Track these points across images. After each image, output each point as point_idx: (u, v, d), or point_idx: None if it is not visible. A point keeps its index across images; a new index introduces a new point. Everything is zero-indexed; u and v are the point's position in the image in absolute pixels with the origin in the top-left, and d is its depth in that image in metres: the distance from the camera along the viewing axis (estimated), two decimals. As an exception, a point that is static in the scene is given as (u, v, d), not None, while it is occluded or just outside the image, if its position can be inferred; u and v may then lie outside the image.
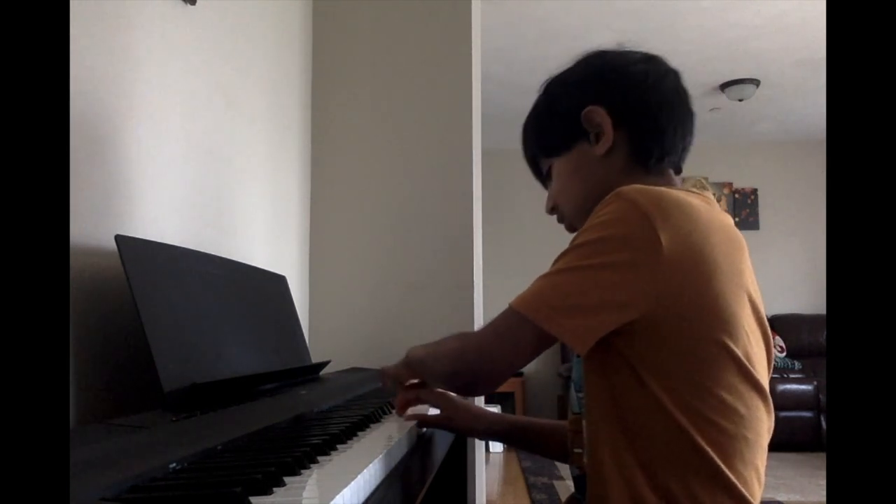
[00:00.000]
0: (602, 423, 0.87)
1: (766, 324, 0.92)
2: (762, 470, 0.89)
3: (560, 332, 0.82)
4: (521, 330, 0.84)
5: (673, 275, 0.80)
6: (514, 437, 1.25)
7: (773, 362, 0.94)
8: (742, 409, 0.84)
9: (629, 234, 0.81)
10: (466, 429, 1.19)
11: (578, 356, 0.91)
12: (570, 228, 1.04)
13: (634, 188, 0.84)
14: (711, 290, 0.82)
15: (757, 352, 0.88)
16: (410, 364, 1.05)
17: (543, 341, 0.85)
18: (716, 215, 0.88)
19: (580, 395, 0.96)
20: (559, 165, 1.03)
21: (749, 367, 0.85)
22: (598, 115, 0.97)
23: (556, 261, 0.86)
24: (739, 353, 0.84)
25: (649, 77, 0.98)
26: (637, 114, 0.97)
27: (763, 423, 0.88)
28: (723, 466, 0.82)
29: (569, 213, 1.04)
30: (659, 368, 0.83)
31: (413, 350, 1.05)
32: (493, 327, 0.88)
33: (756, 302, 0.89)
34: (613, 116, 0.97)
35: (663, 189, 0.85)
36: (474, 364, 0.90)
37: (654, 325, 0.81)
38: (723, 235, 0.86)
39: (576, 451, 0.99)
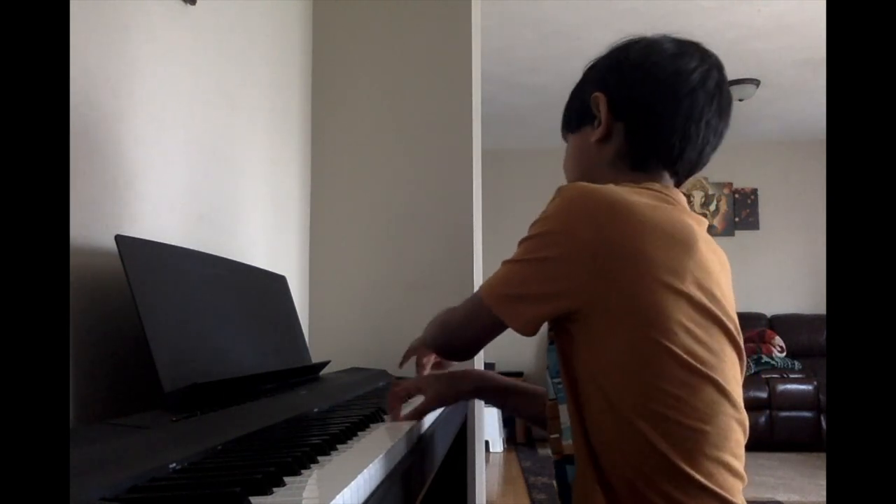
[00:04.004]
0: (571, 413, 0.91)
1: (725, 320, 0.89)
2: (736, 464, 0.88)
3: (507, 317, 0.91)
4: (482, 312, 0.95)
5: (599, 269, 0.84)
6: (504, 399, 1.23)
7: (744, 359, 0.93)
8: (696, 403, 0.85)
9: (559, 230, 0.87)
10: (452, 395, 1.18)
11: (552, 343, 0.96)
12: None
13: (574, 186, 0.89)
14: (642, 285, 0.84)
15: (713, 346, 0.87)
16: (424, 338, 1.23)
17: (499, 323, 0.94)
18: (662, 213, 0.88)
19: (555, 381, 0.99)
20: (570, 141, 1.08)
21: (693, 362, 0.84)
22: (601, 103, 0.99)
23: (517, 246, 0.93)
24: (677, 348, 0.84)
25: (663, 73, 0.96)
26: (635, 109, 0.98)
27: (726, 417, 0.87)
28: (677, 460, 0.83)
29: None
30: (603, 364, 0.86)
31: (427, 325, 1.19)
32: (464, 308, 1.02)
33: (702, 300, 0.87)
34: (613, 107, 0.98)
35: (602, 187, 0.88)
36: (450, 338, 1.08)
37: (591, 319, 0.86)
38: (665, 231, 0.86)
39: (552, 436, 1.00)
